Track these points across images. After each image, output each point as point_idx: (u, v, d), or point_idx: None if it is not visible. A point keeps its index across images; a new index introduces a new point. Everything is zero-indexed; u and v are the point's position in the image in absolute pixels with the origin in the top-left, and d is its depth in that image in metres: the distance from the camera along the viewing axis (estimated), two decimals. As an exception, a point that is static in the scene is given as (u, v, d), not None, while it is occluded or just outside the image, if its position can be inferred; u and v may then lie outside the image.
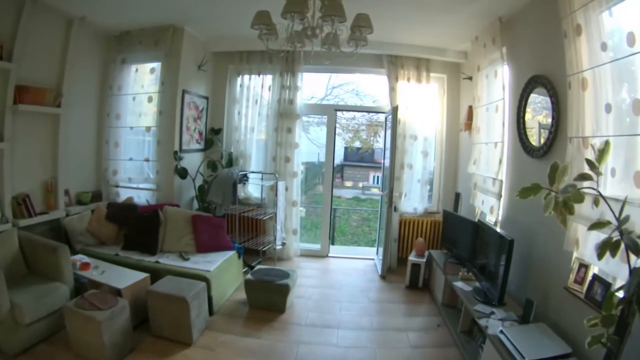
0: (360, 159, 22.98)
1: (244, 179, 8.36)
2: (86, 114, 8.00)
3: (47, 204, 6.95)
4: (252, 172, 8.67)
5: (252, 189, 9.05)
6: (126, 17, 7.36)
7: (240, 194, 8.71)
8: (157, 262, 6.34)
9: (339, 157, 13.38)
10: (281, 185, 8.30)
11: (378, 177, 20.74)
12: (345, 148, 21.48)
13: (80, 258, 6.06)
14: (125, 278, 5.61)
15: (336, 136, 9.68)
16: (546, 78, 5.00)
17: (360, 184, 23.14)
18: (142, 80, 8.25)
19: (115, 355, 4.73)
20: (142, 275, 5.75)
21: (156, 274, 5.91)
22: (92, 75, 8.03)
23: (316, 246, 9.48)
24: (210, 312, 5.90)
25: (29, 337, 4.85)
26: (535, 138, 5.35)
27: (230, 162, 8.73)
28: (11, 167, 6.14)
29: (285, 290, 6.17)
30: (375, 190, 21.38)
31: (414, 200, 8.72)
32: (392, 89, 8.44)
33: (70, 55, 7.03)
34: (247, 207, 8.58)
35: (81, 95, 7.71)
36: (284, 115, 8.65)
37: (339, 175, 21.65)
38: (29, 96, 6.22)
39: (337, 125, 10.74)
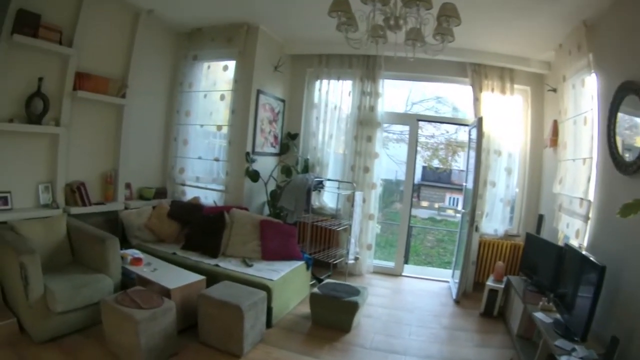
0: (437, 179, 22.09)
1: (319, 186, 7.83)
2: (154, 108, 7.85)
3: (105, 195, 6.75)
4: (329, 179, 8.12)
5: (327, 199, 8.52)
6: (197, 13, 7.14)
7: (315, 202, 8.21)
8: (217, 265, 5.91)
9: (416, 176, 12.60)
10: (359, 195, 7.70)
11: (454, 199, 19.84)
12: (424, 167, 20.62)
13: (133, 253, 5.77)
14: (178, 278, 5.23)
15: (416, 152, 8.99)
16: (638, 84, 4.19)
17: (437, 205, 22.20)
18: (215, 78, 7.96)
19: (152, 359, 4.26)
20: (197, 277, 5.35)
21: (214, 278, 5.49)
22: (161, 70, 7.88)
23: (390, 264, 8.76)
24: (269, 324, 5.38)
25: (59, 326, 4.56)
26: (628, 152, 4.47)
27: (306, 169, 8.21)
28: (66, 154, 6.00)
29: (353, 308, 5.55)
30: (450, 212, 20.43)
31: (495, 221, 7.90)
32: (477, 99, 7.75)
33: (136, 48, 6.87)
34: (320, 216, 7.97)
35: (149, 89, 7.54)
36: (364, 122, 8.08)
37: (415, 195, 20.80)
38: (90, 84, 6.07)
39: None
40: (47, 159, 5.91)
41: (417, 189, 22.01)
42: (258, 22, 7.22)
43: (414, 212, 18.59)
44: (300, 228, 7.52)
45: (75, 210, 6.01)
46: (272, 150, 8.32)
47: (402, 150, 8.67)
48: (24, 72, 5.45)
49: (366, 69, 8.03)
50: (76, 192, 6.11)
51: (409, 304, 6.93)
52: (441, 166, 19.52)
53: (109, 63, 6.56)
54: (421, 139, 16.00)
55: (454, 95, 12.79)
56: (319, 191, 8.13)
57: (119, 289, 5.06)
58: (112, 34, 6.57)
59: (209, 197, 7.83)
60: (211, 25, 7.56)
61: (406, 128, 8.66)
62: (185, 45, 7.94)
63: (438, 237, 17.27)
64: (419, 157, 15.32)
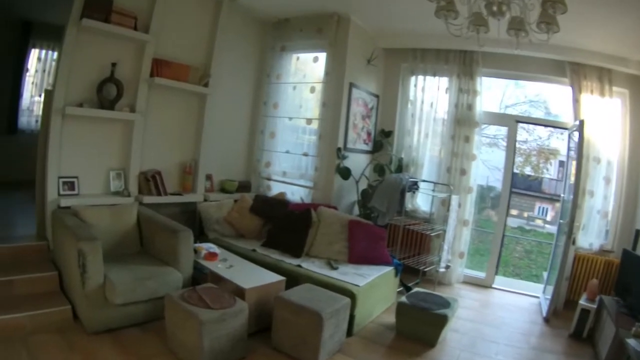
0: (527, 187, 20.94)
1: (414, 187, 7.18)
2: (239, 99, 7.58)
3: (183, 185, 6.55)
4: (424, 180, 7.50)
5: (421, 201, 7.90)
6: (282, 2, 6.92)
7: (407, 204, 7.46)
8: (299, 266, 5.43)
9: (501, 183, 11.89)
10: (455, 199, 7.07)
11: (544, 208, 18.79)
12: (515, 174, 19.63)
13: (208, 247, 5.40)
14: (254, 277, 4.79)
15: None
16: None
17: (525, 214, 21.12)
18: (304, 70, 7.54)
19: (215, 362, 3.87)
20: (276, 277, 4.92)
21: (295, 279, 5.05)
22: (246, 61, 7.60)
23: (479, 274, 8.04)
24: (349, 332, 4.81)
25: (116, 318, 4.28)
26: None
27: (400, 169, 7.66)
28: (142, 141, 5.87)
29: (442, 321, 4.93)
30: (539, 222, 19.38)
31: (591, 234, 7.03)
32: (576, 101, 6.94)
33: (219, 37, 6.62)
34: (411, 220, 7.33)
35: (234, 79, 7.30)
36: (462, 122, 7.41)
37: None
38: (169, 71, 5.91)
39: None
40: (120, 146, 5.76)
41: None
42: (349, 12, 6.75)
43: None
44: (390, 231, 6.91)
45: (148, 199, 5.81)
46: (365, 147, 7.83)
47: (494, 155, 8.09)
48: (96, 57, 5.31)
49: (463, 64, 7.40)
50: (151, 181, 5.89)
51: (498, 319, 6.31)
52: (532, 174, 18.54)
53: (190, 51, 6.36)
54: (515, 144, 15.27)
55: (547, 99, 12.02)
56: (414, 192, 7.47)
57: (188, 284, 4.75)
58: (193, 22, 6.38)
59: (296, 194, 7.39)
60: (299, 16, 7.22)
61: (500, 132, 8.33)
62: (272, 36, 7.65)
63: (526, 247, 16.35)
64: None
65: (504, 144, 8.09)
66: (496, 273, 7.94)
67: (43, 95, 5.73)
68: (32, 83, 8.59)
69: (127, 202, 5.50)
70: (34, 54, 8.57)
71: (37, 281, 4.55)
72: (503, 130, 8.01)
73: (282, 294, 4.46)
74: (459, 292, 7.14)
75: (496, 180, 7.98)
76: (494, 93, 11.47)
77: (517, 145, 12.52)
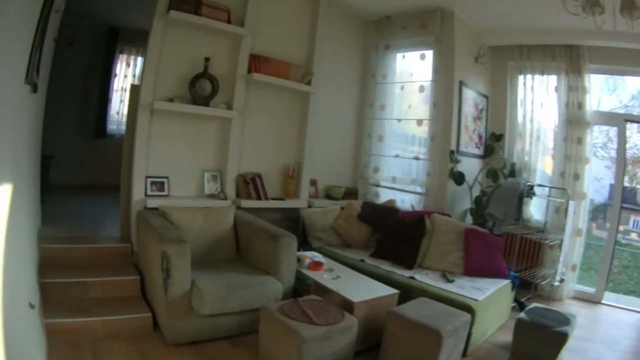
0: (623, 199, 19.69)
1: (531, 192, 6.47)
2: (343, 100, 7.12)
3: (285, 190, 6.20)
4: (540, 185, 6.75)
5: (533, 209, 7.11)
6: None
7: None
8: (413, 278, 4.84)
9: (601, 195, 10.81)
10: (572, 205, 6.31)
11: (639, 221, 17.77)
12: (613, 184, 18.39)
13: (312, 255, 4.96)
14: (364, 290, 4.26)
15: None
16: None
17: (621, 227, 19.88)
18: (411, 68, 7.00)
19: (315, 383, 3.41)
20: (388, 290, 4.37)
21: (408, 292, 4.49)
22: (348, 60, 7.16)
23: (589, 289, 7.14)
24: (464, 353, 4.20)
25: (202, 330, 3.89)
26: None
27: (512, 174, 6.95)
28: (240, 141, 5.59)
29: (562, 340, 4.31)
30: (634, 236, 18.20)
31: None
32: None
33: (319, 34, 6.26)
34: (524, 229, 6.49)
35: (337, 79, 6.85)
36: (573, 122, 6.63)
37: (601, 215, 18.61)
38: (267, 67, 5.60)
39: (604, 156, 8.46)
40: (216, 146, 5.52)
41: (603, 208, 19.90)
42: (452, 6, 6.25)
43: (599, 233, 16.77)
44: (504, 241, 6.22)
45: (247, 203, 5.49)
46: (476, 151, 7.23)
47: (595, 164, 7.00)
48: (187, 52, 5.11)
49: (570, 61, 6.63)
50: (250, 184, 5.56)
51: (610, 337, 5.66)
52: (628, 184, 17.29)
53: (289, 48, 6.03)
54: (612, 153, 13.94)
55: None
56: (530, 198, 6.80)
57: (289, 296, 4.27)
58: (289, 18, 6.09)
59: (406, 201, 6.85)
60: (400, 12, 6.72)
61: (597, 140, 7.35)
62: (375, 35, 7.16)
63: (624, 262, 15.45)
64: (609, 173, 13.45)
65: (603, 153, 7.77)
66: (606, 288, 7.24)
67: (129, 90, 5.30)
68: (121, 88, 8.53)
69: (223, 206, 5.15)
70: (121, 59, 8.58)
71: (116, 285, 4.29)
72: (601, 137, 7.50)
73: (395, 309, 3.92)
74: (569, 308, 6.44)
75: (595, 192, 7.37)
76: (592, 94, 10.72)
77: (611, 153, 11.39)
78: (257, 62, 5.47)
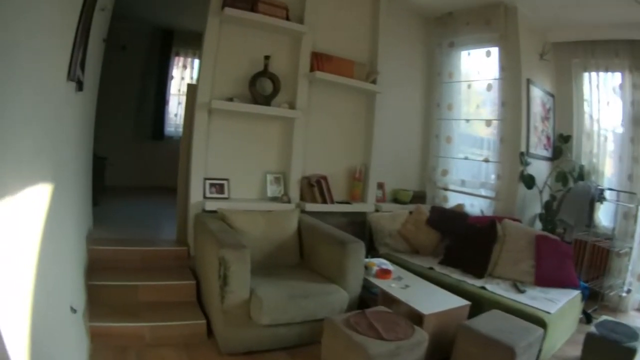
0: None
1: (602, 196, 6.02)
2: (409, 100, 6.80)
3: (352, 193, 5.88)
4: (610, 189, 6.24)
5: (601, 214, 6.50)
6: None
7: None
8: (484, 288, 4.48)
9: None
10: None
11: None
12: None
13: (380, 263, 4.64)
14: (434, 301, 3.97)
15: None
16: None
17: None
18: (478, 66, 6.65)
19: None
20: (460, 301, 4.06)
21: (478, 303, 4.16)
22: (412, 58, 6.83)
23: None
24: None
25: (259, 340, 3.69)
26: None
27: (581, 178, 6.42)
28: (304, 142, 5.35)
29: (630, 356, 3.96)
30: None
31: None
32: None
33: (382, 32, 5.99)
34: (593, 235, 6.04)
35: (401, 78, 6.53)
36: (638, 122, 6.18)
37: None
38: (330, 65, 5.36)
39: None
40: (279, 147, 5.33)
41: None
42: (514, 0, 5.91)
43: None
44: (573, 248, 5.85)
45: (311, 207, 5.20)
46: (544, 153, 6.78)
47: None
48: (245, 50, 4.97)
49: (633, 57, 6.27)
50: (315, 187, 5.30)
51: None
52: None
53: (351, 46, 5.79)
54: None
55: None
56: (601, 203, 6.31)
57: (354, 307, 4.02)
58: (350, 15, 5.86)
59: (476, 205, 6.47)
60: (462, 8, 6.42)
61: None
62: (438, 32, 6.85)
63: None
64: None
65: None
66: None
67: (186, 89, 5.16)
68: (178, 90, 8.50)
69: (286, 209, 4.96)
70: (177, 61, 8.56)
71: (169, 289, 4.16)
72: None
73: (468, 322, 3.64)
74: (635, 320, 6.02)
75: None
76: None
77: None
78: (319, 60, 5.27)
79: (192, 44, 8.20)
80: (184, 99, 7.90)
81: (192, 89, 4.83)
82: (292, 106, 5.13)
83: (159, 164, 7.96)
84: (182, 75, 8.61)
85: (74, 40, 2.63)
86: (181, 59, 8.56)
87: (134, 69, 8.08)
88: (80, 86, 3.20)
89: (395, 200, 6.42)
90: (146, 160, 8.19)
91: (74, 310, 2.82)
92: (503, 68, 6.16)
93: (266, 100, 4.84)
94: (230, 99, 4.67)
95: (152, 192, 7.64)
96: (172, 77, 8.47)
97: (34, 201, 2.01)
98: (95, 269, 4.07)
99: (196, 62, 8.54)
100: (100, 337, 3.42)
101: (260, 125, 5.11)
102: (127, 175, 7.86)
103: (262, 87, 4.91)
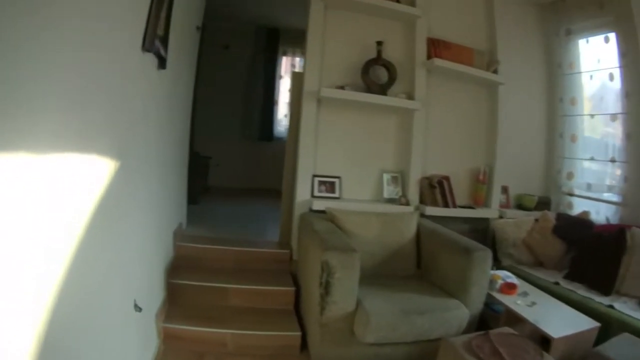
0: None
1: None
2: (530, 95, 5.85)
3: (474, 197, 5.19)
4: None
5: None
6: None
7: None
8: (611, 307, 3.65)
9: None
10: None
11: None
12: None
13: (505, 276, 3.98)
14: (562, 321, 3.35)
15: None
16: None
17: None
18: (597, 54, 5.78)
19: None
20: (589, 323, 3.38)
21: (606, 324, 3.41)
22: (530, 49, 5.95)
23: None
24: None
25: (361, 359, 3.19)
26: None
27: None
28: (424, 137, 4.72)
29: None
30: None
31: None
32: None
33: (498, 17, 5.34)
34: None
35: (521, 70, 5.68)
36: None
37: None
38: (448, 53, 4.77)
39: None
40: (396, 143, 4.73)
41: None
42: None
43: None
44: None
45: (431, 210, 4.59)
46: None
47: None
48: (354, 35, 4.54)
49: None
50: (437, 188, 4.66)
51: None
52: None
53: (467, 33, 5.17)
54: None
55: None
56: None
57: (473, 326, 3.45)
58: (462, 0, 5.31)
59: (601, 212, 5.45)
60: None
61: None
62: (553, 19, 6.00)
63: None
64: None
65: None
66: None
67: (290, 78, 4.68)
68: (288, 90, 8.00)
69: (404, 212, 4.35)
70: (285, 61, 8.26)
71: (265, 295, 3.80)
72: None
73: (598, 349, 2.97)
74: None
75: None
76: None
77: None
78: (436, 47, 4.69)
79: (300, 43, 7.63)
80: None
81: (298, 77, 4.40)
82: (410, 97, 4.54)
83: (267, 166, 7.65)
84: (290, 75, 8.11)
85: (149, 8, 2.40)
86: (289, 58, 8.24)
87: (239, 69, 7.90)
88: (162, 63, 2.88)
89: (519, 206, 5.63)
90: (253, 162, 7.96)
91: (138, 308, 2.58)
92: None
93: (382, 90, 4.30)
94: (342, 87, 4.16)
95: (258, 195, 7.37)
96: (280, 77, 8.16)
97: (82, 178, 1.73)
98: (181, 266, 3.85)
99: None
100: (174, 340, 3.23)
101: (375, 119, 4.58)
102: (232, 176, 7.74)
103: (376, 75, 4.38)
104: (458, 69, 4.74)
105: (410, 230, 4.03)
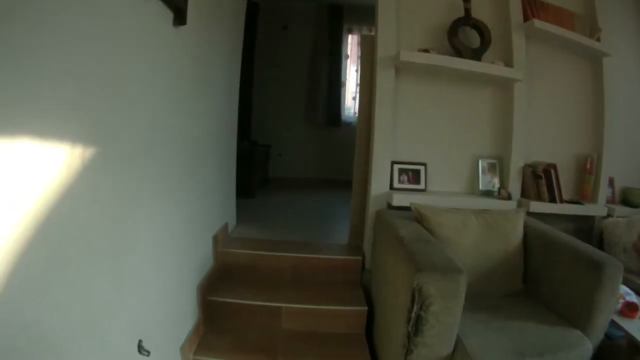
0: None
1: None
2: (631, 70, 4.54)
3: (581, 191, 4.00)
4: None
5: None
6: None
7: None
8: None
9: None
10: None
11: None
12: None
13: (625, 293, 2.90)
14: None
15: None
16: None
17: None
18: None
19: None
20: None
21: None
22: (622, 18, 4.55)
23: None
24: None
25: None
26: None
27: None
28: (524, 115, 3.60)
29: None
30: None
31: None
32: None
33: None
34: None
35: (623, 41, 4.40)
36: None
37: None
38: (547, 15, 3.77)
39: None
40: (492, 122, 3.66)
41: None
42: None
43: None
44: None
45: (536, 206, 3.49)
46: None
47: None
48: None
49: None
50: (542, 179, 3.55)
51: None
52: None
53: None
54: None
55: None
56: None
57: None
58: None
59: None
60: None
61: None
62: None
63: None
64: None
65: None
66: None
67: (360, 43, 3.71)
68: (355, 70, 7.21)
69: (505, 209, 3.26)
70: (351, 39, 7.29)
71: (329, 315, 2.95)
72: None
73: None
74: None
75: None
76: None
77: None
78: (533, 7, 3.69)
79: (367, 19, 6.89)
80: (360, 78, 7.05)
81: (369, 42, 3.45)
82: (509, 64, 3.53)
83: (335, 154, 6.91)
84: (359, 53, 7.20)
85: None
86: (355, 36, 7.26)
87: (300, 50, 7.08)
88: (180, 16, 2.12)
89: (624, 201, 4.40)
90: (319, 150, 7.10)
91: (145, 352, 1.84)
92: None
93: (475, 55, 3.33)
94: (426, 50, 3.21)
95: (325, 187, 6.55)
96: (347, 56, 7.23)
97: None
98: (223, 278, 3.15)
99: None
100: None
101: (466, 92, 3.57)
102: (296, 166, 6.99)
103: (467, 38, 3.45)
104: (562, 34, 3.68)
105: (516, 234, 2.94)
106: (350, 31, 7.22)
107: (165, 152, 2.06)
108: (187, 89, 2.40)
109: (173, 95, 2.16)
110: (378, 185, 3.32)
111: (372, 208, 3.30)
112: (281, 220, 4.44)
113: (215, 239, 3.13)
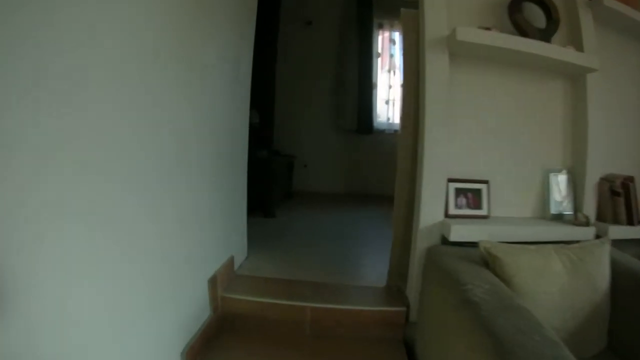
0: None
1: None
2: None
3: None
4: None
5: None
6: None
7: None
8: None
9: None
10: None
11: None
12: None
13: None
14: None
15: None
16: None
17: None
18: None
19: None
20: None
21: None
22: None
23: None
24: None
25: None
26: None
27: None
28: (602, 116, 2.71)
29: None
30: None
31: None
32: None
33: None
34: None
35: None
36: None
37: None
38: None
39: None
40: (563, 124, 2.73)
41: None
42: None
43: None
44: None
45: (615, 231, 2.56)
46: None
47: None
48: None
49: None
50: (621, 196, 2.68)
51: None
52: None
53: None
54: None
55: None
56: None
57: None
58: None
59: None
60: None
61: None
62: None
63: None
64: None
65: None
66: None
67: (401, 22, 2.84)
68: (388, 70, 6.48)
69: (583, 238, 2.35)
70: (382, 36, 6.55)
71: None
72: None
73: None
74: None
75: None
76: None
77: None
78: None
79: (398, 13, 6.17)
80: (395, 81, 6.40)
81: (411, 20, 2.64)
82: (580, 48, 2.67)
83: (367, 166, 6.34)
84: (391, 51, 6.50)
85: None
86: (386, 32, 6.51)
87: (326, 48, 6.45)
88: None
89: None
90: (348, 161, 6.46)
91: None
92: None
93: (543, 36, 2.49)
94: (488, 28, 2.36)
95: (356, 203, 5.70)
96: (378, 55, 6.44)
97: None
98: (223, 332, 2.37)
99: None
100: None
101: (532, 84, 2.67)
102: (323, 179, 6.41)
103: (532, 16, 2.60)
104: (633, 15, 2.82)
105: (604, 275, 2.03)
106: (381, 27, 6.49)
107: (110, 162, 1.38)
108: (156, 70, 1.66)
109: (137, 76, 1.52)
110: (430, 210, 2.43)
111: (420, 243, 2.38)
112: (303, 248, 3.54)
113: (213, 281, 2.35)
